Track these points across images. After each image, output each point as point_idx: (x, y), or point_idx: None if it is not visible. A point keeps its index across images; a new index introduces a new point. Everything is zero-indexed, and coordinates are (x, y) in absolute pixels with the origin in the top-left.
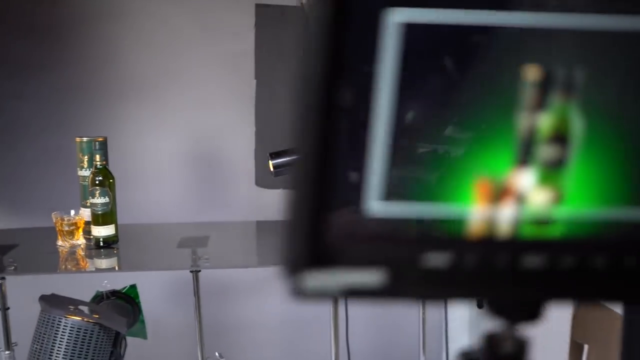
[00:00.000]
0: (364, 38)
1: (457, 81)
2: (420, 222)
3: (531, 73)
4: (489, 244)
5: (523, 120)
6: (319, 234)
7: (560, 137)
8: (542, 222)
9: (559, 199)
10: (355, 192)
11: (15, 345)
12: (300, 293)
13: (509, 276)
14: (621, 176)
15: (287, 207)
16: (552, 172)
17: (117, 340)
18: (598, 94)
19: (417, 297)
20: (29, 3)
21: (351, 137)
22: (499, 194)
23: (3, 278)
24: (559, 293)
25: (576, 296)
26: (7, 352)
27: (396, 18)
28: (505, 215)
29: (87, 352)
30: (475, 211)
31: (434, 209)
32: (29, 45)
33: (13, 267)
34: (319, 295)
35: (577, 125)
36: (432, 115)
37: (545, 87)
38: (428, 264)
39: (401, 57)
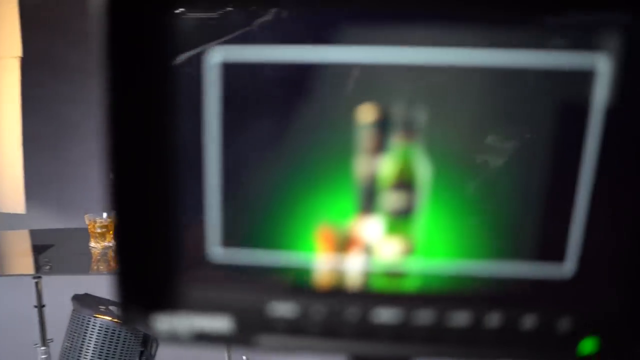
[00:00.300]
0: (188, 81)
1: (287, 123)
2: (263, 270)
3: (366, 113)
4: (338, 296)
5: (362, 165)
6: (163, 278)
7: (405, 184)
8: (394, 274)
9: (410, 250)
10: (199, 237)
11: (51, 341)
12: (155, 333)
13: (361, 330)
14: (477, 226)
15: (124, 249)
16: (399, 221)
17: (146, 341)
18: (444, 135)
19: (266, 348)
20: (80, 9)
21: (188, 180)
22: (344, 243)
23: (39, 277)
24: (417, 350)
25: (436, 354)
26: (42, 348)
27: (215, 58)
28: (353, 266)
29: (115, 351)
30: (321, 260)
31: (277, 257)
32: (81, 50)
33: (48, 267)
34: (172, 338)
35: (423, 170)
36: (264, 160)
37: (382, 128)
38: (274, 314)
39: (225, 99)
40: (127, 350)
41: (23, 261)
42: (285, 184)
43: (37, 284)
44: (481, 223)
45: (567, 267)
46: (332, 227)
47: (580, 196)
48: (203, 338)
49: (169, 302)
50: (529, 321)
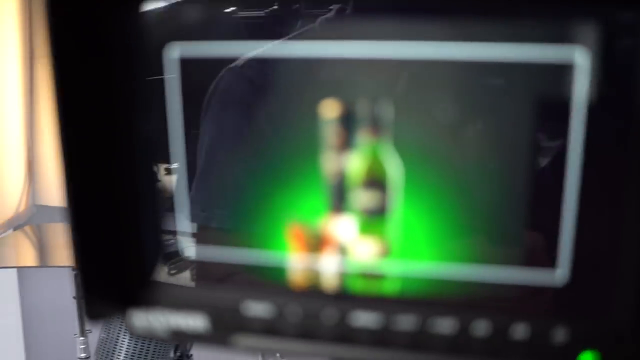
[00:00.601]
0: (151, 78)
1: (252, 119)
2: (237, 268)
3: (329, 108)
4: (314, 297)
5: (330, 162)
6: (138, 274)
7: (375, 182)
8: (371, 276)
9: (386, 252)
10: (174, 235)
11: (89, 332)
12: (132, 329)
13: (340, 334)
14: (459, 228)
15: (95, 243)
16: (373, 221)
17: None
18: (416, 132)
19: (243, 347)
20: None
21: (158, 176)
22: (317, 242)
23: None
24: (399, 357)
25: None
26: (81, 338)
27: (173, 54)
28: (328, 266)
29: (150, 343)
30: (294, 260)
31: (249, 255)
32: None
33: None
34: (149, 334)
35: (394, 168)
36: (231, 156)
37: (347, 124)
38: (249, 313)
39: (187, 95)
40: (162, 343)
41: (63, 253)
42: (253, 181)
43: (76, 275)
44: (463, 225)
45: (560, 274)
46: (304, 226)
47: (568, 194)
48: (180, 335)
49: (144, 299)
50: (520, 331)
